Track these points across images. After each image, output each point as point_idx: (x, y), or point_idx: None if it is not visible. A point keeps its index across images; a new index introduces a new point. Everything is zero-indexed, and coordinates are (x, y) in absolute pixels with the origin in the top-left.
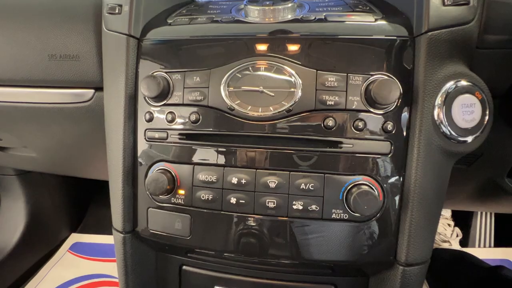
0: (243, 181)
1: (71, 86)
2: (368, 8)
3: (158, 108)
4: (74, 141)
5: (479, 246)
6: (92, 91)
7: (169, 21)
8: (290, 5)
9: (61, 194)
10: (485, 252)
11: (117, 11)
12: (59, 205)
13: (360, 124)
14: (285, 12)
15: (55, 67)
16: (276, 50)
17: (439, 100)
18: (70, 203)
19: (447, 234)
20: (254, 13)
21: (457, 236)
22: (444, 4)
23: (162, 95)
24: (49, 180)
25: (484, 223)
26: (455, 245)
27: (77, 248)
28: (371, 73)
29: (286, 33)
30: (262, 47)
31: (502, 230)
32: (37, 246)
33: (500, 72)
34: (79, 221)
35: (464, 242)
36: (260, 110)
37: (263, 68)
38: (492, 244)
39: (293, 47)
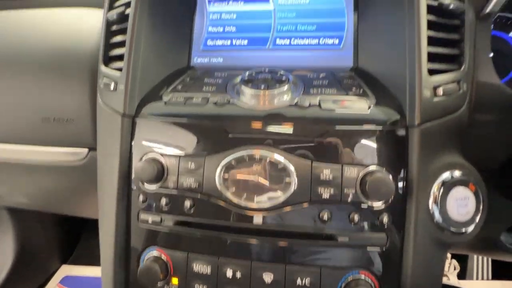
0: (238, 275)
1: (64, 145)
2: (361, 91)
3: (152, 191)
4: (68, 190)
5: (477, 278)
6: (86, 150)
7: (164, 99)
8: (285, 88)
9: (53, 225)
10: (484, 285)
11: (112, 88)
12: (50, 237)
13: (356, 217)
14: (280, 96)
15: (48, 129)
16: (272, 140)
17: (433, 192)
18: (62, 233)
19: (445, 268)
20: (248, 95)
21: (454, 269)
22: (435, 95)
23: (157, 178)
24: (40, 212)
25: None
26: (453, 279)
27: (67, 282)
28: (366, 164)
29: (281, 122)
30: (257, 137)
31: (499, 261)
32: (27, 281)
33: (492, 149)
34: (70, 252)
35: (461, 274)
36: (255, 200)
37: (258, 157)
38: (490, 276)
39: (288, 138)
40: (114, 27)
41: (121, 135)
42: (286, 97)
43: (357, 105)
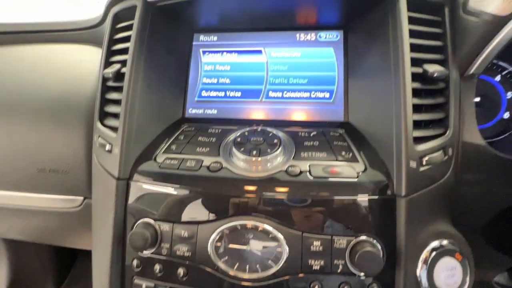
0: None
1: (59, 193)
2: (350, 155)
3: (147, 256)
4: (63, 229)
5: None
6: (81, 198)
7: (159, 160)
8: (277, 152)
9: (47, 250)
10: None
11: (107, 149)
12: (44, 261)
13: None
14: (272, 160)
15: (44, 179)
16: (263, 210)
17: (421, 262)
18: (56, 258)
19: None
20: (241, 161)
21: None
22: (421, 165)
23: (151, 244)
24: None
25: None
26: None
27: None
28: (355, 234)
29: (273, 191)
30: (249, 207)
31: None
32: None
33: (481, 205)
34: (65, 276)
35: None
36: (247, 270)
37: (250, 227)
38: None
39: (279, 208)
40: (110, 83)
41: (115, 198)
42: (279, 159)
43: (346, 172)
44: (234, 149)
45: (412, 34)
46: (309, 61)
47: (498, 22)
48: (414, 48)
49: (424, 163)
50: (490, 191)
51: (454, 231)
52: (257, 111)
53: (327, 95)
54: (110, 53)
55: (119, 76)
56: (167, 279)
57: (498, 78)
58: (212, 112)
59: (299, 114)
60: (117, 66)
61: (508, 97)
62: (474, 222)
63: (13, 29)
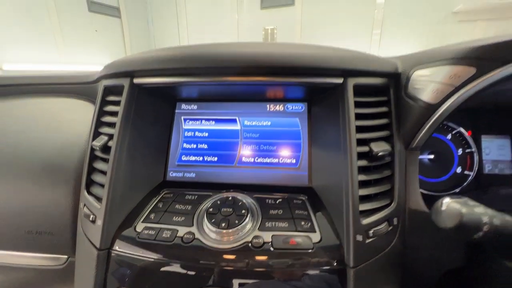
0: None
1: (44, 252)
2: (309, 225)
3: None
4: (47, 283)
5: None
6: (65, 257)
7: (138, 230)
8: (244, 222)
9: None
10: None
11: (91, 219)
12: None
13: None
14: (241, 229)
15: (29, 240)
16: (228, 282)
17: None
18: None
19: None
20: (211, 232)
21: None
22: (368, 237)
23: None
24: None
25: None
26: None
27: None
28: None
29: (237, 264)
30: (217, 279)
31: None
32: None
33: (427, 268)
34: None
35: None
36: None
37: None
38: None
39: (241, 280)
40: (98, 153)
41: (96, 269)
42: (247, 228)
43: (304, 243)
44: (205, 220)
45: (359, 116)
46: (278, 129)
47: (431, 108)
48: (361, 129)
49: (370, 235)
50: (437, 254)
51: None
52: (231, 176)
53: (294, 161)
54: (99, 123)
55: (105, 148)
56: None
57: (449, 136)
58: (190, 175)
59: (268, 178)
60: (104, 139)
61: (459, 153)
62: (422, 285)
63: (12, 82)
